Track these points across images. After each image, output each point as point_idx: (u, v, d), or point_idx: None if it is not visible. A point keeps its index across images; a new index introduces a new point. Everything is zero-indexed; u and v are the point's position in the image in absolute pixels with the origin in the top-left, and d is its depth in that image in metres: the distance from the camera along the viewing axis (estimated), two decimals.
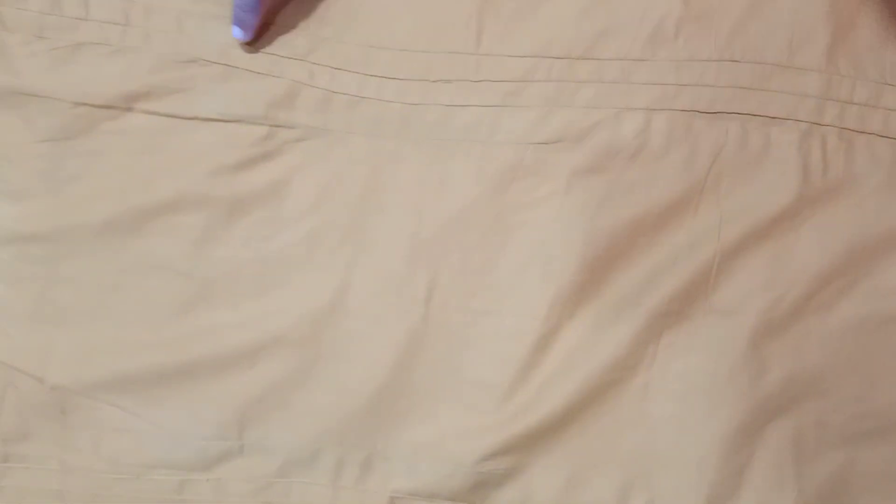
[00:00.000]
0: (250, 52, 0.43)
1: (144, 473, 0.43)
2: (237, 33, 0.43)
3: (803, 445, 0.42)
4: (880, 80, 0.43)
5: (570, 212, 0.43)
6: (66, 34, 0.44)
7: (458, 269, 0.43)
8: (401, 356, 0.43)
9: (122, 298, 0.43)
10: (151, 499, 0.42)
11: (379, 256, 0.43)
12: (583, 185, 0.42)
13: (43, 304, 0.43)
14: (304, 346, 0.43)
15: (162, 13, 0.43)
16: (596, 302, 0.42)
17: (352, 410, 0.43)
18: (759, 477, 0.42)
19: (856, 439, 0.43)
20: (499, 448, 0.42)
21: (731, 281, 0.42)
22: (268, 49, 0.43)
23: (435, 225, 0.43)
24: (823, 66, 0.42)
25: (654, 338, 0.42)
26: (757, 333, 0.42)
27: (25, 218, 0.44)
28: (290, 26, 0.43)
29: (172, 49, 0.42)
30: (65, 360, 0.43)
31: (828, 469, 0.42)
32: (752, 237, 0.42)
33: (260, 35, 0.43)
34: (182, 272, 0.43)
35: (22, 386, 0.42)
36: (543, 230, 0.43)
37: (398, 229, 0.43)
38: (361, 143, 0.43)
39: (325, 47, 0.43)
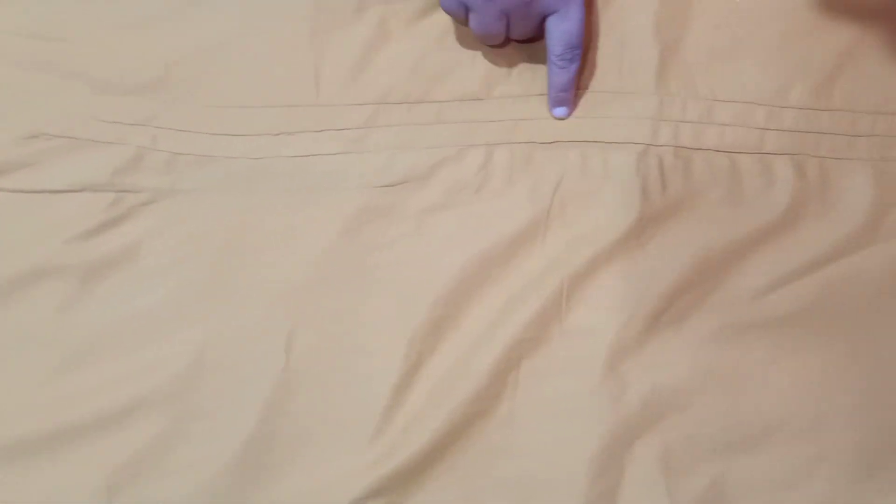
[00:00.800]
0: (93, 122, 0.44)
1: None
2: (561, 112, 0.45)
3: (673, 461, 0.43)
4: (710, 97, 0.44)
5: (422, 249, 0.44)
6: None
7: (317, 315, 0.44)
8: (266, 407, 0.43)
9: None
10: None
11: (238, 309, 0.44)
12: (432, 222, 0.44)
13: None
14: (170, 405, 0.43)
15: (4, 89, 0.44)
16: (454, 335, 0.43)
17: (223, 465, 0.43)
18: (631, 496, 0.43)
19: (727, 451, 0.43)
20: (371, 490, 0.42)
21: (583, 304, 0.43)
22: (111, 118, 0.44)
23: (292, 274, 0.44)
24: (654, 88, 0.44)
25: (514, 366, 0.43)
26: (613, 353, 0.43)
27: None
28: (133, 93, 0.44)
29: (15, 125, 0.43)
30: None
31: (701, 483, 0.43)
32: (600, 259, 0.43)
33: None
34: (45, 341, 0.44)
35: None
36: (398, 269, 0.44)
37: (256, 281, 0.44)
38: (214, 200, 0.44)
39: (168, 111, 0.45)
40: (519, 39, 0.46)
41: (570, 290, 0.43)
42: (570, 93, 0.45)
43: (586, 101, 0.44)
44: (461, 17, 0.44)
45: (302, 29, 0.45)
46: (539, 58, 0.45)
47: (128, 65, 0.46)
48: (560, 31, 0.43)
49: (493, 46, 0.45)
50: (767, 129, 0.44)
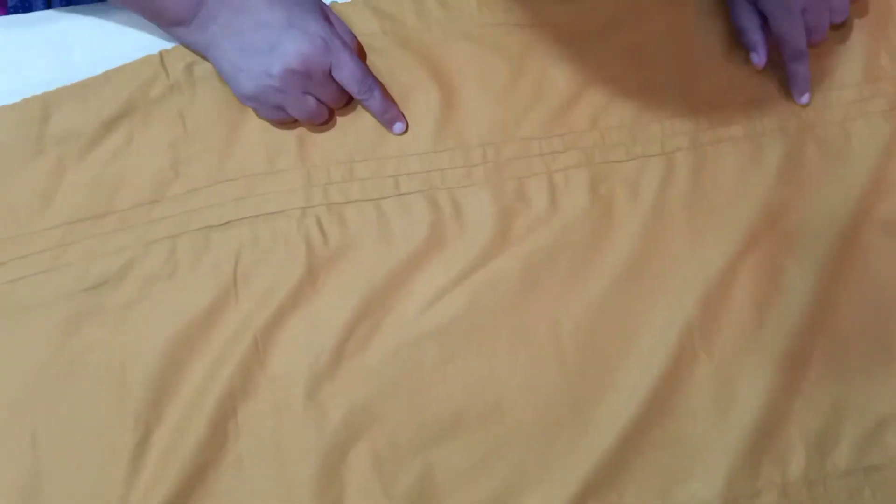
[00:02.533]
0: None
1: None
2: (399, 129, 0.54)
3: (383, 464, 0.51)
4: (348, 160, 0.54)
5: (130, 338, 0.51)
6: None
7: (51, 411, 0.50)
8: (21, 495, 0.49)
9: None
10: None
11: None
12: (133, 313, 0.51)
13: None
14: None
15: None
16: (174, 401, 0.50)
17: None
18: (355, 501, 0.50)
19: (427, 445, 0.51)
20: None
21: (277, 349, 0.51)
22: None
23: (19, 388, 0.50)
24: (299, 163, 0.53)
25: (232, 414, 0.50)
26: (310, 386, 0.51)
27: None
28: None
29: None
30: None
31: (411, 477, 0.51)
32: (284, 309, 0.51)
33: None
34: None
35: None
36: (112, 358, 0.50)
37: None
38: None
39: None
40: (337, 106, 0.54)
41: (264, 341, 0.51)
42: (393, 111, 0.54)
43: (243, 185, 0.52)
44: (282, 116, 0.53)
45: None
46: (209, 145, 0.53)
47: None
48: (343, 77, 0.53)
49: (317, 124, 0.54)
50: (399, 175, 0.53)
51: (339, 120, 0.55)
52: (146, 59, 0.55)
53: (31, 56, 0.55)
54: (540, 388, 0.52)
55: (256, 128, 0.54)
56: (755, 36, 0.57)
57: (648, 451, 0.52)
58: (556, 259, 0.53)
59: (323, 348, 0.51)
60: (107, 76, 0.54)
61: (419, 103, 0.54)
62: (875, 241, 0.55)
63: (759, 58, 0.57)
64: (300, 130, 0.54)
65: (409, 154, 0.54)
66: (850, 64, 0.58)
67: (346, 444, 0.51)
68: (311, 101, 0.53)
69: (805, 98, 0.58)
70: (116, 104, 0.53)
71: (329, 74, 0.53)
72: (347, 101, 0.55)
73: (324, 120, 0.55)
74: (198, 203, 0.52)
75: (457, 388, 0.52)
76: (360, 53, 0.56)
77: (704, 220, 0.55)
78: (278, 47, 0.51)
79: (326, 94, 0.53)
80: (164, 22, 0.53)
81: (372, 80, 0.54)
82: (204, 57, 0.54)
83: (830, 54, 0.59)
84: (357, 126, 0.54)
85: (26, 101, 0.53)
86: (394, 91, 0.55)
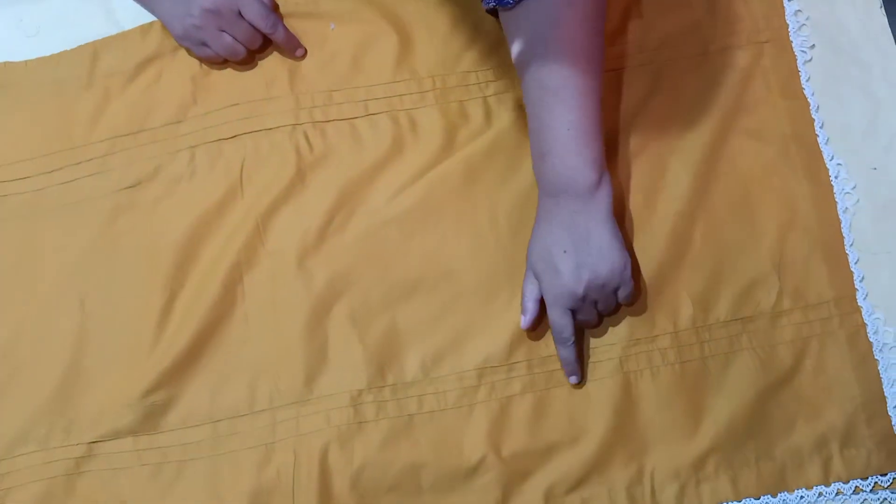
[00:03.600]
0: None
1: None
2: (524, 323, 0.63)
3: (358, 319, 0.65)
4: (328, 90, 0.69)
5: (160, 224, 0.65)
6: None
7: (99, 280, 0.65)
8: (71, 350, 0.63)
9: None
10: None
11: (39, 295, 0.64)
12: (157, 206, 0.66)
13: None
14: None
15: None
16: (191, 271, 0.65)
17: (46, 397, 0.62)
18: (336, 347, 0.64)
19: (393, 303, 0.65)
20: (154, 385, 0.62)
21: (273, 231, 0.66)
22: None
23: (79, 255, 0.65)
24: (289, 92, 0.69)
25: (239, 280, 0.65)
26: (300, 257, 0.65)
27: None
28: None
29: None
30: None
31: (381, 327, 0.65)
32: (278, 201, 0.66)
33: None
34: None
35: None
36: (146, 241, 0.65)
37: (50, 272, 0.65)
38: (15, 222, 0.66)
39: None
40: (251, 44, 0.68)
41: (264, 225, 0.66)
42: (294, 41, 0.68)
43: (248, 107, 0.68)
44: (208, 53, 0.67)
45: (57, 101, 0.68)
46: (220, 78, 0.69)
47: None
48: (250, 14, 0.67)
49: (237, 61, 0.68)
50: (368, 100, 0.69)
51: (320, 60, 0.70)
52: None
53: (83, 15, 0.71)
54: (482, 258, 0.66)
55: (255, 66, 0.70)
56: (528, 304, 0.64)
57: None
58: (491, 160, 0.68)
59: (310, 229, 0.66)
60: (142, 28, 0.70)
61: (382, 45, 0.70)
62: (740, 144, 0.69)
63: (525, 322, 0.64)
64: (290, 66, 0.69)
65: (375, 84, 0.69)
66: (710, 8, 0.72)
67: (328, 303, 0.65)
68: (227, 38, 0.68)
69: (573, 379, 0.64)
70: (149, 49, 0.69)
71: (238, 14, 0.68)
72: (261, 41, 0.69)
73: (241, 57, 0.69)
74: (212, 122, 0.68)
75: (415, 259, 0.66)
76: (273, 3, 0.70)
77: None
78: None
79: (238, 32, 0.68)
80: None
81: (275, 17, 0.69)
82: (152, 12, 0.70)
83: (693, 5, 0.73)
84: (334, 64, 0.70)
85: (81, 47, 0.70)
86: (360, 36, 0.70)
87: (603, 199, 0.62)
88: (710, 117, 0.70)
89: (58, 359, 0.63)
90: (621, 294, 0.63)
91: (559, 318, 0.62)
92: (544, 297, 0.63)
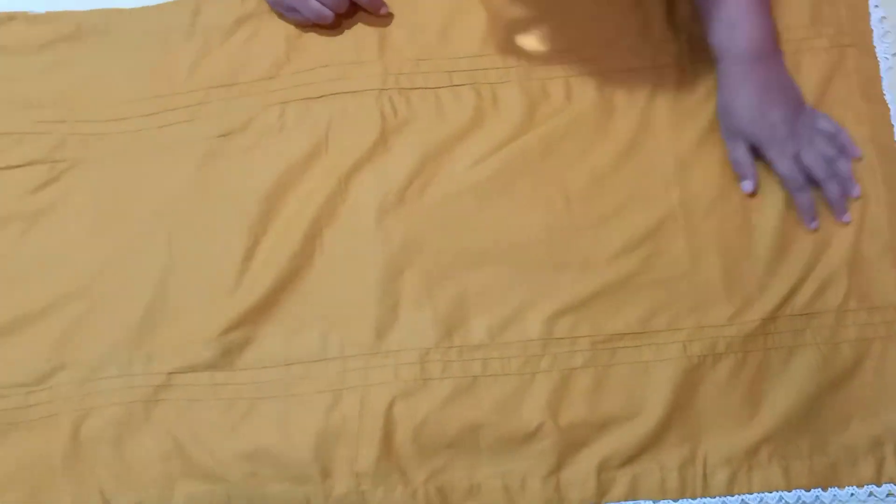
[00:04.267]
0: (33, 124, 0.69)
1: (2, 393, 0.64)
2: (748, 187, 0.67)
3: (430, 281, 0.67)
4: (415, 58, 0.71)
5: (249, 171, 0.68)
6: None
7: (184, 222, 0.67)
8: (157, 284, 0.66)
9: None
10: (8, 408, 0.64)
11: (131, 229, 0.67)
12: (252, 155, 0.69)
13: None
14: (90, 293, 0.66)
15: None
16: (275, 220, 0.67)
17: (131, 326, 0.66)
18: (407, 306, 0.67)
19: (461, 270, 0.67)
20: (232, 324, 0.65)
21: (353, 191, 0.68)
22: (41, 117, 0.70)
23: (169, 195, 0.68)
24: (378, 58, 0.71)
25: (318, 234, 0.67)
26: (378, 216, 0.68)
27: None
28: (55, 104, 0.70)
29: None
30: None
31: (451, 292, 0.67)
32: (362, 160, 0.69)
33: None
34: (8, 260, 0.67)
35: None
36: (236, 186, 0.68)
37: (141, 209, 0.68)
38: (112, 160, 0.69)
39: (76, 110, 0.70)
40: (336, 8, 0.69)
41: (346, 182, 0.68)
42: (377, 2, 0.70)
43: (338, 70, 0.70)
44: (297, 17, 0.70)
45: (159, 49, 0.72)
46: (314, 40, 0.71)
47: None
48: None
49: (325, 26, 0.71)
50: (453, 72, 0.71)
51: (409, 29, 0.72)
52: None
53: None
54: (552, 233, 0.68)
55: (345, 31, 0.72)
56: (746, 170, 0.68)
57: (635, 290, 0.66)
58: (568, 138, 0.69)
59: (389, 190, 0.68)
60: None
61: (470, 20, 0.72)
62: None
63: (748, 186, 0.68)
64: (380, 33, 0.72)
65: (461, 57, 0.71)
66: (798, 9, 0.74)
67: (402, 263, 0.67)
68: (314, 2, 0.70)
69: (814, 224, 0.68)
70: (248, 7, 0.72)
71: None
72: (348, 5, 0.71)
73: (329, 21, 0.71)
74: (302, 80, 0.70)
75: (487, 229, 0.68)
76: None
77: (679, 118, 0.70)
78: None
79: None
80: None
81: None
82: None
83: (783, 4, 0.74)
84: (423, 34, 0.72)
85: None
86: (450, 9, 0.72)
87: (781, 57, 0.71)
88: None
89: (144, 291, 0.67)
90: (823, 125, 0.69)
91: (789, 169, 0.67)
92: (767, 155, 0.68)
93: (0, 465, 0.64)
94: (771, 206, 0.68)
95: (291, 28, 0.72)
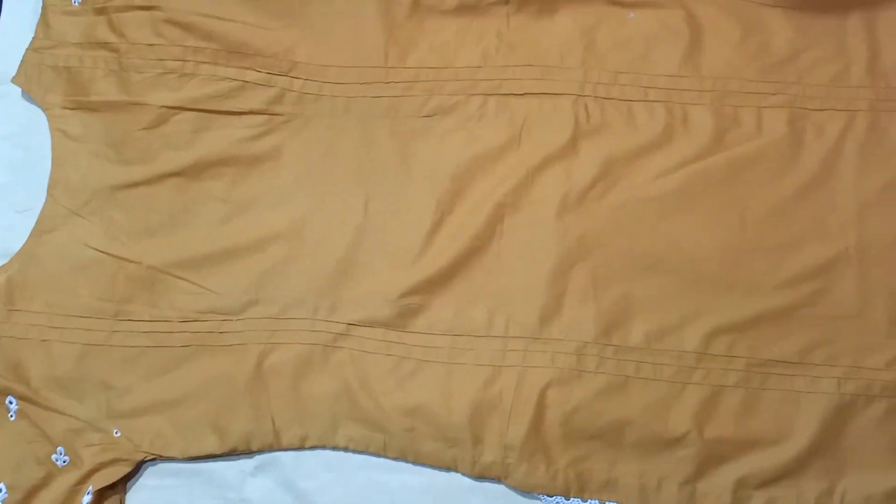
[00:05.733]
0: (255, 74, 0.76)
1: (200, 317, 0.71)
2: None
3: (597, 280, 0.71)
4: (615, 71, 0.75)
5: (446, 152, 0.74)
6: None
7: (383, 188, 0.74)
8: (350, 242, 0.72)
9: (187, 218, 0.74)
10: (203, 331, 0.70)
11: (333, 187, 0.74)
12: (452, 137, 0.74)
13: (140, 225, 0.73)
14: (291, 240, 0.73)
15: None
16: (462, 200, 0.73)
17: (322, 276, 0.72)
18: (572, 299, 0.71)
19: (632, 274, 0.71)
20: (412, 288, 0.71)
21: (540, 183, 0.73)
22: (264, 69, 0.76)
23: (368, 163, 0.74)
24: (581, 65, 0.75)
25: (500, 220, 0.72)
26: (559, 212, 0.72)
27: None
28: (270, 55, 0.76)
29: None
30: (154, 252, 0.73)
31: (617, 293, 0.70)
32: (550, 159, 0.73)
33: None
34: (222, 200, 0.74)
35: (129, 268, 0.72)
36: (431, 164, 0.74)
37: (345, 170, 0.74)
38: (324, 120, 0.75)
39: (296, 68, 0.76)
40: None
41: (533, 175, 0.73)
42: None
43: (541, 70, 0.75)
44: None
45: (381, 21, 0.77)
46: (523, 39, 0.75)
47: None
48: None
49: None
50: (649, 88, 0.74)
51: (614, 42, 0.75)
52: None
53: None
54: (725, 252, 0.70)
55: (563, 33, 0.75)
56: None
57: (797, 321, 0.68)
58: (754, 167, 0.72)
59: (573, 189, 0.72)
60: None
61: (673, 40, 0.75)
62: None
63: None
64: (586, 42, 0.75)
65: (659, 74, 0.74)
66: None
67: (574, 258, 0.71)
68: None
69: None
70: (462, 6, 0.77)
71: None
72: None
73: None
74: (507, 75, 0.75)
75: (662, 240, 0.71)
76: None
77: (866, 164, 0.71)
78: None
79: None
80: None
81: None
82: None
83: None
84: (626, 48, 0.75)
85: None
86: (655, 29, 0.75)
87: None
88: None
89: (338, 246, 0.73)
90: None
91: None
92: None
93: (191, 378, 0.71)
94: None
95: (504, 24, 0.77)
